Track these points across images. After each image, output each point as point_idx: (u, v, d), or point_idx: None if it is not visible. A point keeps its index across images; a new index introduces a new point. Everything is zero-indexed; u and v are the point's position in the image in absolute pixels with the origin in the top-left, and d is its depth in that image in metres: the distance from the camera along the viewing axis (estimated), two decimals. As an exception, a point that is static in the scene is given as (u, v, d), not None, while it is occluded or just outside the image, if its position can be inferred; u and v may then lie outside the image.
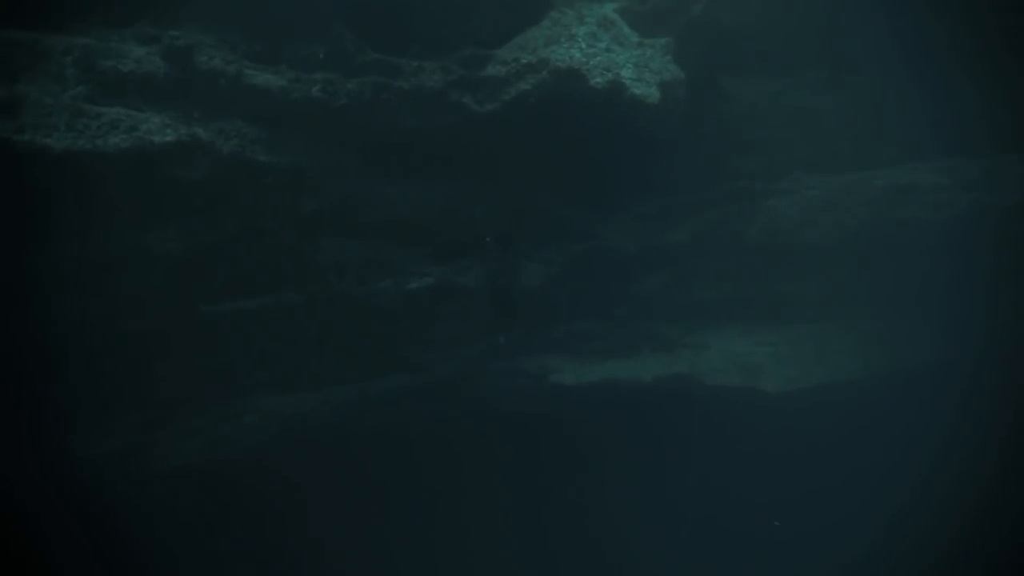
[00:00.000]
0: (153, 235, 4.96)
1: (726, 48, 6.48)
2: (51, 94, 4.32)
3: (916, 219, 7.63)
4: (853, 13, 6.63)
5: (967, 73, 7.12)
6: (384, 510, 8.33)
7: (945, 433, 8.00)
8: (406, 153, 6.34)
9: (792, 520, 8.10)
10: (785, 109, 7.46)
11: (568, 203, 7.49)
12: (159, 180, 4.70)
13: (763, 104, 7.39)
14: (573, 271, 7.86)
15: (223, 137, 4.90)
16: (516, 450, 8.57)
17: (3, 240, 4.63)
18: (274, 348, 7.15)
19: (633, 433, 8.58)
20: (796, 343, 8.78)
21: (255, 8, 5.05)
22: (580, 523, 8.56)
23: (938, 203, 7.51)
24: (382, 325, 7.30)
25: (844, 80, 7.32)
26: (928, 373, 8.29)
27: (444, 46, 5.72)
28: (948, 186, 7.50)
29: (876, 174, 7.83)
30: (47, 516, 6.47)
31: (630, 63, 5.29)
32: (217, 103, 4.93)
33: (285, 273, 6.52)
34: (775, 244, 8.08)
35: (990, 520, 7.83)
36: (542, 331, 8.15)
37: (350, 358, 7.59)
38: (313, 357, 7.44)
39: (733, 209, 8.09)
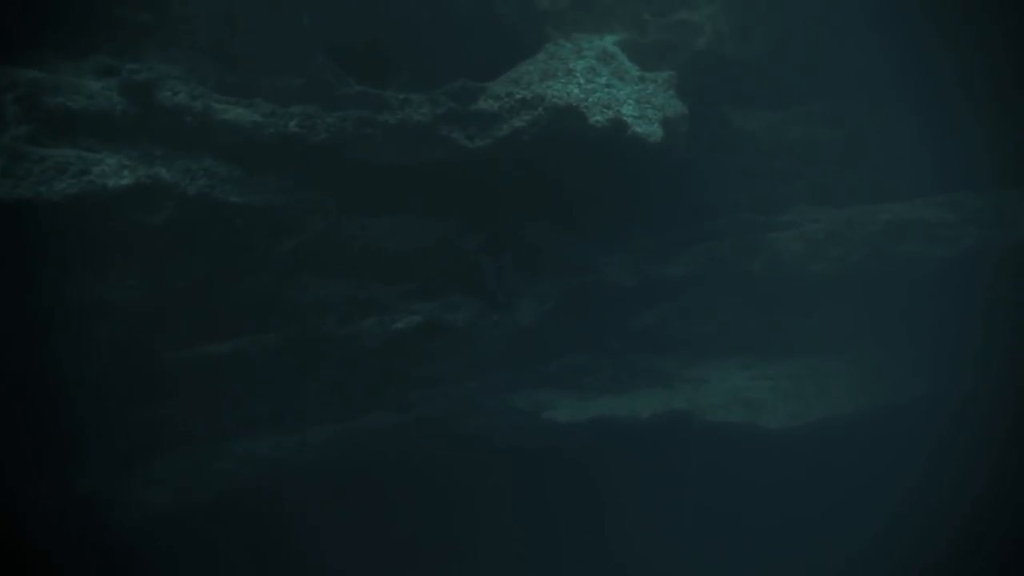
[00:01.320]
0: (110, 283, 4.51)
1: (729, 80, 6.21)
2: (-13, 136, 3.88)
3: (921, 254, 7.40)
4: (858, 45, 6.40)
5: (974, 106, 6.93)
6: (367, 554, 7.88)
7: (951, 469, 7.77)
8: (392, 188, 5.97)
9: (795, 558, 7.81)
10: (788, 141, 7.22)
11: (563, 236, 7.18)
12: (115, 226, 4.27)
13: (766, 136, 7.14)
14: (568, 306, 7.54)
15: (189, 177, 4.48)
16: (506, 488, 8.19)
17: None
18: (249, 390, 6.72)
19: (630, 469, 8.27)
20: (797, 377, 8.54)
21: (228, 36, 4.66)
22: (575, 559, 8.20)
23: (944, 238, 7.29)
24: (366, 365, 6.90)
25: (848, 112, 7.10)
26: (932, 407, 8.09)
27: (432, 78, 5.37)
28: (954, 222, 7.28)
29: (880, 208, 7.61)
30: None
31: (631, 99, 4.96)
32: (183, 140, 4.52)
33: (261, 315, 6.11)
34: (777, 277, 7.85)
35: (998, 558, 7.58)
36: (535, 366, 7.80)
37: (332, 398, 7.17)
38: (292, 398, 7.01)
39: (734, 242, 7.87)
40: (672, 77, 5.36)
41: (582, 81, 4.88)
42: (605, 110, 4.81)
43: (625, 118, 4.86)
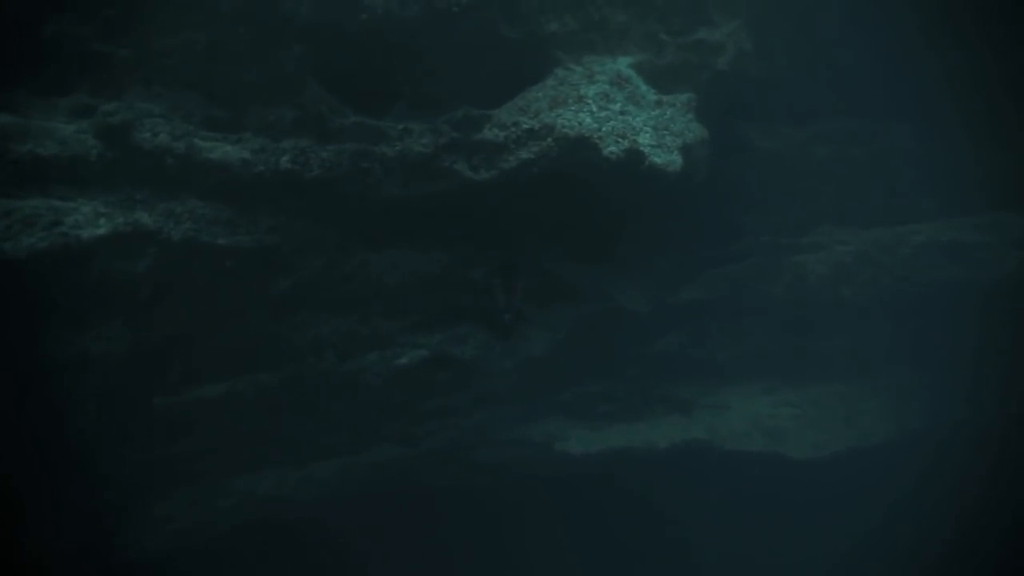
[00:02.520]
0: (91, 335, 4.21)
1: (751, 98, 5.79)
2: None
3: (959, 279, 6.95)
4: (887, 61, 5.96)
5: (1014, 122, 6.45)
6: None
7: (981, 497, 7.32)
8: (394, 219, 5.64)
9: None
10: (813, 159, 6.79)
11: (575, 263, 6.80)
12: (94, 277, 3.97)
13: (789, 155, 6.71)
14: (581, 335, 7.17)
15: (173, 221, 4.16)
16: (516, 521, 7.85)
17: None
18: (247, 430, 6.42)
19: (645, 501, 7.89)
20: (823, 404, 8.14)
21: (212, 68, 4.33)
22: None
23: (984, 261, 6.83)
24: (370, 401, 6.58)
25: (878, 129, 6.66)
26: (965, 435, 7.65)
27: (434, 105, 5.01)
28: (994, 243, 6.81)
29: (914, 229, 7.16)
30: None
31: (648, 127, 4.56)
32: (166, 182, 4.20)
33: (257, 355, 5.80)
34: (802, 302, 7.42)
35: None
36: (547, 395, 7.44)
37: (336, 433, 6.86)
38: (294, 435, 6.70)
39: (756, 265, 7.47)
40: (691, 99, 4.95)
41: (595, 108, 4.49)
42: (620, 140, 4.41)
43: (642, 148, 4.47)
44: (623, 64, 4.76)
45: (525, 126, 4.57)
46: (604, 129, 4.42)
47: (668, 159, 4.57)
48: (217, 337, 5.27)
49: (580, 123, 4.42)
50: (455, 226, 5.88)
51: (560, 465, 7.60)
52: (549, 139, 4.48)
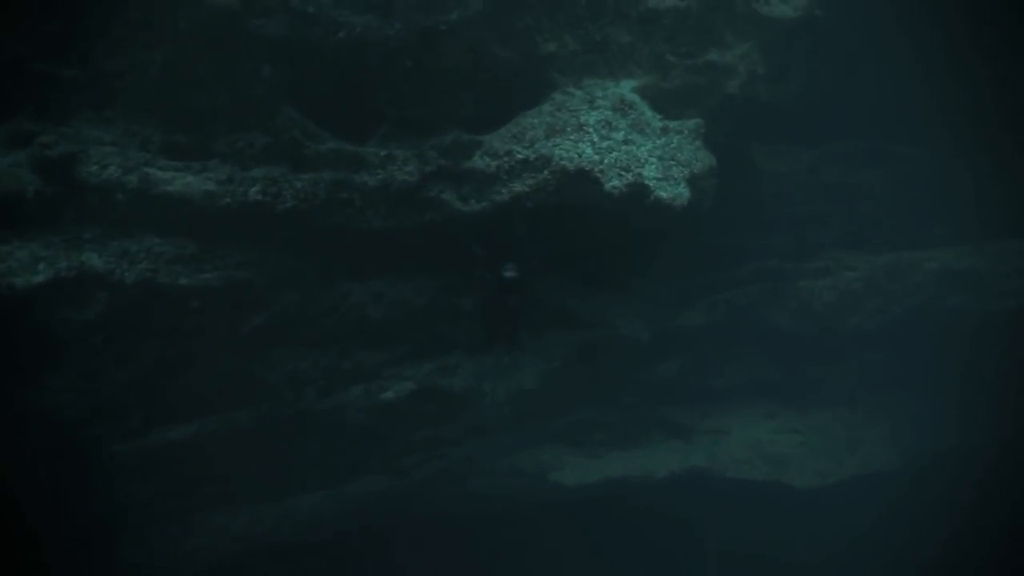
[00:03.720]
0: (38, 389, 3.76)
1: (759, 120, 5.42)
2: None
3: (973, 308, 6.64)
4: (904, 85, 5.60)
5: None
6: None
7: (991, 525, 7.06)
8: (378, 249, 5.21)
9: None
10: (821, 183, 6.42)
11: (571, 289, 6.40)
12: (35, 327, 3.52)
13: (796, 178, 6.34)
14: (576, 363, 6.79)
15: (127, 262, 3.72)
16: (504, 553, 7.51)
17: None
18: (221, 468, 5.99)
19: (642, 530, 7.57)
20: (826, 430, 7.83)
21: (172, 91, 3.87)
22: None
23: (1001, 292, 6.52)
24: (354, 435, 6.17)
25: (890, 153, 6.29)
26: (972, 460, 7.38)
27: (419, 128, 4.57)
28: (1010, 272, 6.51)
29: (925, 255, 6.83)
30: None
31: (654, 157, 4.17)
32: (119, 219, 3.77)
33: (228, 394, 5.37)
34: (807, 330, 7.10)
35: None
36: (540, 422, 7.07)
37: (317, 467, 6.44)
38: (272, 470, 6.28)
39: (759, 290, 7.12)
40: (700, 126, 4.56)
41: (596, 138, 4.08)
42: (623, 173, 4.02)
43: (647, 181, 4.08)
44: (627, 88, 4.35)
45: (519, 156, 4.16)
46: (606, 161, 4.03)
47: (675, 192, 4.18)
48: (183, 379, 4.85)
49: (580, 154, 4.03)
50: (445, 253, 5.48)
51: (554, 496, 7.27)
52: (546, 171, 4.07)
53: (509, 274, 4.64)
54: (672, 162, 4.26)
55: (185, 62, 3.78)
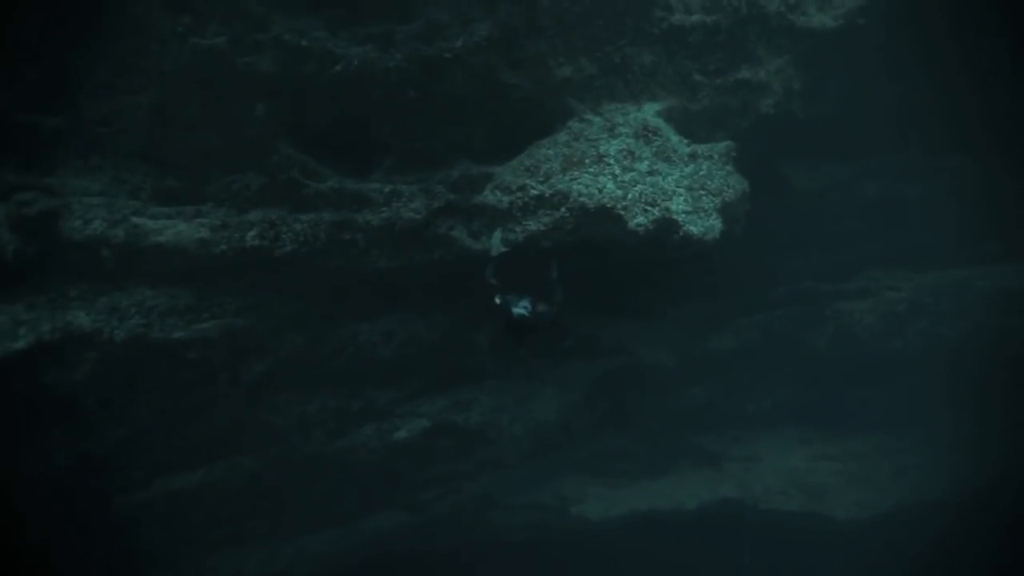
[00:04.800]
0: (27, 453, 3.55)
1: (794, 136, 4.99)
2: None
3: (1028, 329, 6.11)
4: (951, 94, 5.10)
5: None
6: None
7: None
8: (386, 287, 4.92)
9: None
10: (859, 199, 5.94)
11: (593, 317, 6.04)
12: (20, 392, 3.30)
13: (832, 194, 5.87)
14: (598, 393, 6.43)
15: (116, 319, 3.48)
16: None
17: None
18: (231, 511, 5.77)
19: (672, 565, 7.15)
20: (866, 457, 7.31)
21: (161, 135, 3.62)
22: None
23: (1059, 310, 5.99)
24: (367, 474, 5.90)
25: (933, 166, 5.79)
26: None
27: (425, 160, 4.27)
28: (1072, 289, 5.98)
29: (975, 273, 6.30)
30: None
31: (682, 188, 3.79)
32: (107, 274, 3.53)
33: (233, 441, 5.13)
34: (846, 354, 6.62)
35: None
36: (561, 452, 6.71)
37: (330, 506, 6.19)
38: (284, 511, 6.05)
39: (794, 313, 6.64)
40: (731, 148, 4.17)
41: (617, 170, 3.72)
42: (649, 209, 3.65)
43: (675, 216, 3.70)
44: (650, 112, 3.97)
45: (533, 191, 3.82)
46: (630, 196, 3.66)
47: (706, 226, 3.80)
48: (184, 430, 4.62)
49: (600, 190, 3.67)
50: (457, 288, 5.16)
51: (576, 530, 6.91)
52: (563, 209, 3.73)
53: (519, 311, 4.18)
54: (702, 191, 3.88)
55: (174, 104, 3.54)
